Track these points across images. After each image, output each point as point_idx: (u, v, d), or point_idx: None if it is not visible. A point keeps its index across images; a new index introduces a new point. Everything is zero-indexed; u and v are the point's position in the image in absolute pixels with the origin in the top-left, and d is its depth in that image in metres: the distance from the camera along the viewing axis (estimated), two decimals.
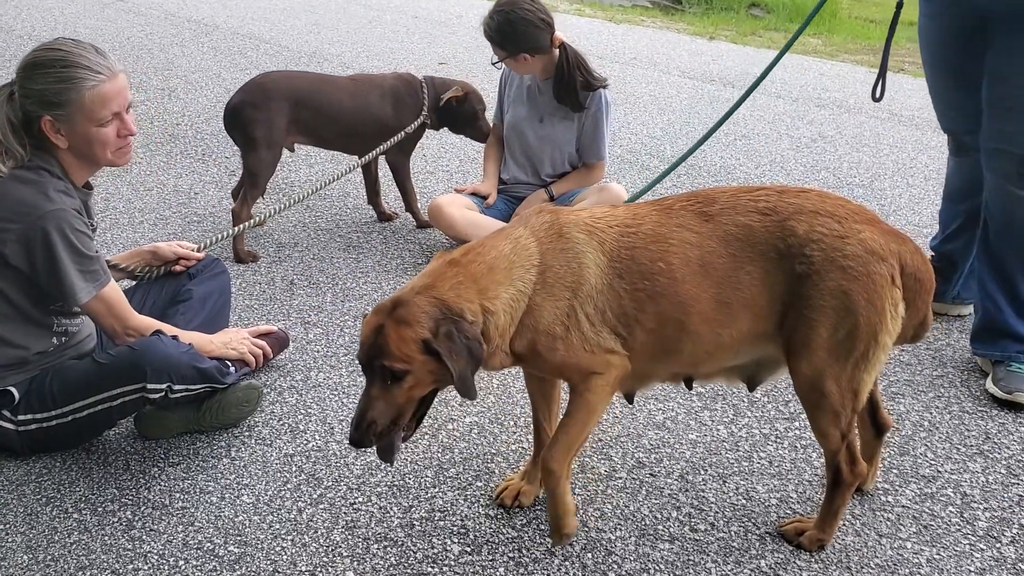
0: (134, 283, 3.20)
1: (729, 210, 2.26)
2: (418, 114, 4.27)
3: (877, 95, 3.41)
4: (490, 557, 2.41)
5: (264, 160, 4.08)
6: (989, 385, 3.19)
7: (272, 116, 4.03)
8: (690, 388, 2.57)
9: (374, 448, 2.19)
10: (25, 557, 2.42)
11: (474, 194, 4.22)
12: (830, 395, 2.26)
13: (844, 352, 2.21)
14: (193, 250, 3.23)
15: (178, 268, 3.16)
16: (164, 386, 2.61)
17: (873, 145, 6.05)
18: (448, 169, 5.31)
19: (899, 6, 3.35)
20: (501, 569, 2.37)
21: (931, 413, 3.07)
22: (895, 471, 2.78)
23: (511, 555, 2.43)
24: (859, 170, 5.54)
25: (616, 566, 2.40)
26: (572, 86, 3.96)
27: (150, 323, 2.79)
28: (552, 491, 2.35)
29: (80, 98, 2.55)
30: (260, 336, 3.20)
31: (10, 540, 2.47)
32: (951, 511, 2.62)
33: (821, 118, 6.71)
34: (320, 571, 2.37)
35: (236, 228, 3.91)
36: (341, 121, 4.19)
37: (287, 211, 4.56)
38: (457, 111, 4.30)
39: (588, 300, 2.22)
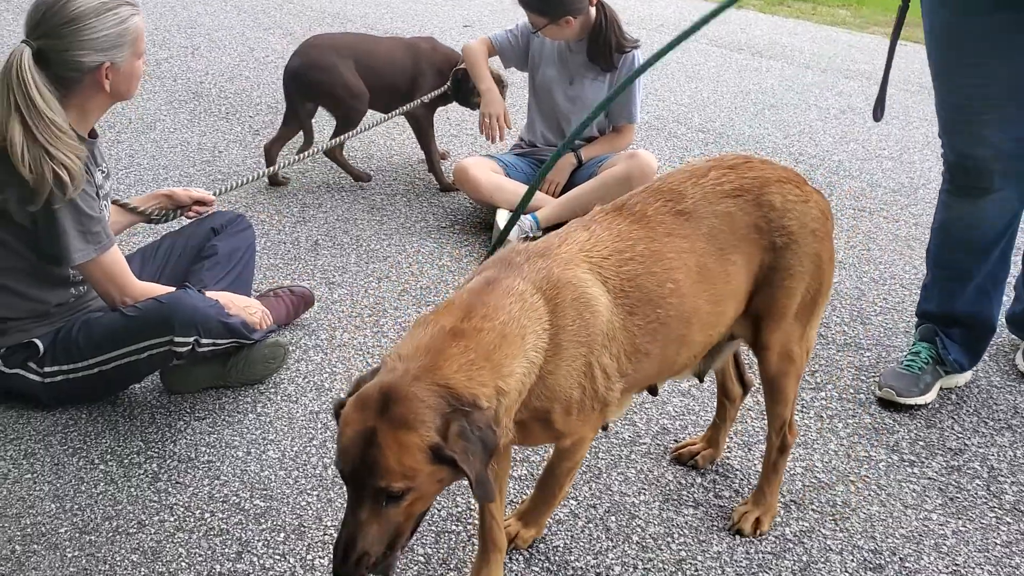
0: (151, 246, 3.18)
1: (702, 202, 2.07)
2: (446, 79, 4.36)
3: (878, 115, 2.85)
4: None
5: (355, 107, 4.27)
6: (1019, 360, 3.16)
7: (343, 70, 4.20)
8: (655, 394, 2.41)
9: None
10: (52, 506, 2.44)
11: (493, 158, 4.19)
12: (797, 359, 2.25)
13: (807, 314, 2.22)
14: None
15: (191, 213, 3.14)
16: (191, 339, 2.61)
17: (903, 117, 5.96)
18: (472, 133, 5.27)
19: (904, 7, 2.66)
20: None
21: (956, 383, 3.04)
22: (921, 443, 2.76)
23: None
24: (888, 142, 5.46)
25: (640, 529, 2.40)
26: (607, 46, 3.90)
27: (151, 289, 2.74)
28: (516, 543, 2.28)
29: (132, 33, 2.56)
30: (287, 293, 3.22)
31: (38, 489, 2.49)
32: (978, 484, 2.60)
33: (850, 89, 6.61)
34: None
35: (270, 170, 4.14)
36: (389, 80, 4.32)
37: (314, 164, 4.55)
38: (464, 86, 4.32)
39: (603, 351, 1.91)
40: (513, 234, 3.79)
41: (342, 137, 4.21)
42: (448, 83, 4.34)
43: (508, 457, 2.28)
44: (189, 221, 3.22)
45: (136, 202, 3.08)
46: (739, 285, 2.10)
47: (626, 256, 1.96)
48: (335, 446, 1.64)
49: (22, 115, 2.42)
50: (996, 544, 2.39)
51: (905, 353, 3.04)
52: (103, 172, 2.73)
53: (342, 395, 2.91)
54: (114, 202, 3.01)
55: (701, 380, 2.51)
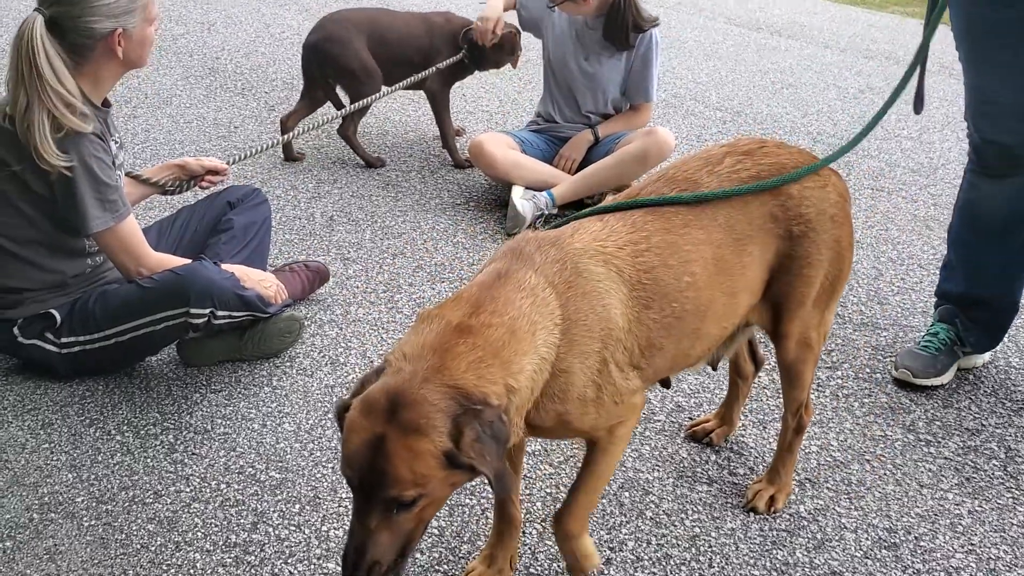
0: (167, 219, 3.19)
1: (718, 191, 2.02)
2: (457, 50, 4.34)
3: (919, 108, 2.58)
4: (527, 492, 2.41)
5: (368, 85, 4.24)
6: None
7: (357, 45, 4.19)
8: (667, 387, 2.41)
9: None
10: (70, 475, 2.46)
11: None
12: (815, 344, 2.22)
13: (826, 299, 2.18)
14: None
15: (205, 183, 3.14)
16: (207, 311, 2.62)
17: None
18: (488, 110, 5.26)
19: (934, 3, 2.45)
20: (539, 503, 2.38)
21: (974, 364, 3.01)
22: (938, 423, 2.74)
23: (548, 491, 2.43)
24: (908, 123, 5.41)
25: (654, 505, 2.40)
26: (624, 25, 3.87)
27: (167, 260, 2.75)
28: (573, 552, 2.05)
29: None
30: (302, 268, 3.23)
31: (55, 459, 2.51)
32: (994, 464, 2.59)
33: (869, 69, 6.55)
34: None
35: (284, 137, 4.10)
36: (404, 54, 4.32)
37: (321, 136, 4.54)
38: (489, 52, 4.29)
39: (617, 345, 1.83)
40: (528, 211, 3.77)
41: (352, 107, 4.18)
42: (463, 50, 4.29)
43: (522, 442, 2.13)
44: (205, 194, 3.23)
45: (149, 173, 3.08)
46: (755, 276, 2.05)
47: (642, 247, 1.88)
48: (340, 451, 1.60)
49: (28, 84, 2.43)
50: (1012, 524, 2.38)
51: (923, 334, 3.01)
52: (117, 143, 2.73)
53: (357, 369, 2.94)
54: (127, 174, 3.02)
55: (715, 368, 2.50)
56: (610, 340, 1.81)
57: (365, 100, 4.16)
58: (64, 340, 2.71)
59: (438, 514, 2.30)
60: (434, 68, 4.22)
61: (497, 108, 5.32)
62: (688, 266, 1.91)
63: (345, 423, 1.59)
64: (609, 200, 2.04)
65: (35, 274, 2.68)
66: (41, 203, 2.58)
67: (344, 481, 2.41)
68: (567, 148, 4.07)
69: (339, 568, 2.17)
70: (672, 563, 2.23)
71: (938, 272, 3.05)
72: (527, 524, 2.31)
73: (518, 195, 3.81)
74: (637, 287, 1.85)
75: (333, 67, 4.29)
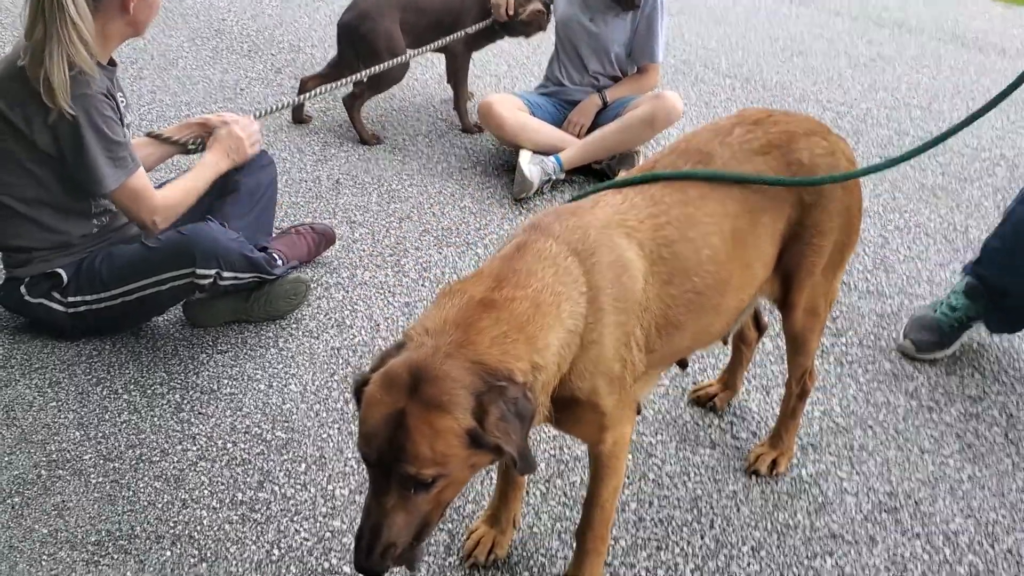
0: (176, 176, 3.18)
1: (731, 162, 1.97)
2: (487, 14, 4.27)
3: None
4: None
5: (390, 70, 4.14)
6: None
7: (388, 25, 4.10)
8: (684, 368, 2.42)
9: None
10: (77, 433, 2.48)
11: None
12: (822, 312, 2.22)
13: (834, 267, 2.17)
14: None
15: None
16: (213, 272, 2.62)
17: (933, 67, 5.86)
18: (496, 73, 5.22)
19: None
20: (542, 465, 2.40)
21: (980, 334, 3.02)
22: (941, 390, 2.75)
23: (552, 452, 2.45)
24: (918, 91, 5.37)
25: (656, 468, 2.42)
26: None
27: (172, 195, 2.75)
28: (595, 570, 2.03)
29: None
30: (308, 230, 3.23)
31: (62, 417, 2.54)
32: (996, 431, 2.60)
33: (881, 37, 6.48)
34: None
35: (300, 97, 4.00)
36: (434, 17, 4.25)
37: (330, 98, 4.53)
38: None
39: (637, 321, 1.78)
40: (535, 176, 3.76)
41: (363, 74, 4.12)
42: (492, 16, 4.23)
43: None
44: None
45: (170, 132, 3.07)
46: (768, 247, 2.03)
47: (661, 220, 1.84)
48: (358, 427, 1.55)
49: (48, 15, 2.42)
50: (1012, 490, 2.39)
51: (942, 301, 2.96)
52: (123, 102, 2.73)
53: (363, 332, 2.96)
54: (148, 134, 3.03)
55: (725, 343, 2.50)
56: (632, 314, 1.76)
57: (377, 69, 4.06)
58: (71, 299, 2.72)
59: None
60: (462, 32, 4.16)
61: (506, 72, 5.28)
62: (707, 239, 1.88)
63: (364, 398, 1.54)
64: (623, 175, 2.01)
65: (42, 234, 2.69)
66: (49, 162, 2.59)
67: (354, 448, 2.45)
68: (575, 113, 4.04)
69: (344, 526, 2.20)
70: (674, 524, 2.25)
71: (945, 240, 3.06)
72: (531, 485, 2.33)
73: (526, 160, 3.80)
74: (658, 262, 1.81)
75: (364, 48, 4.19)
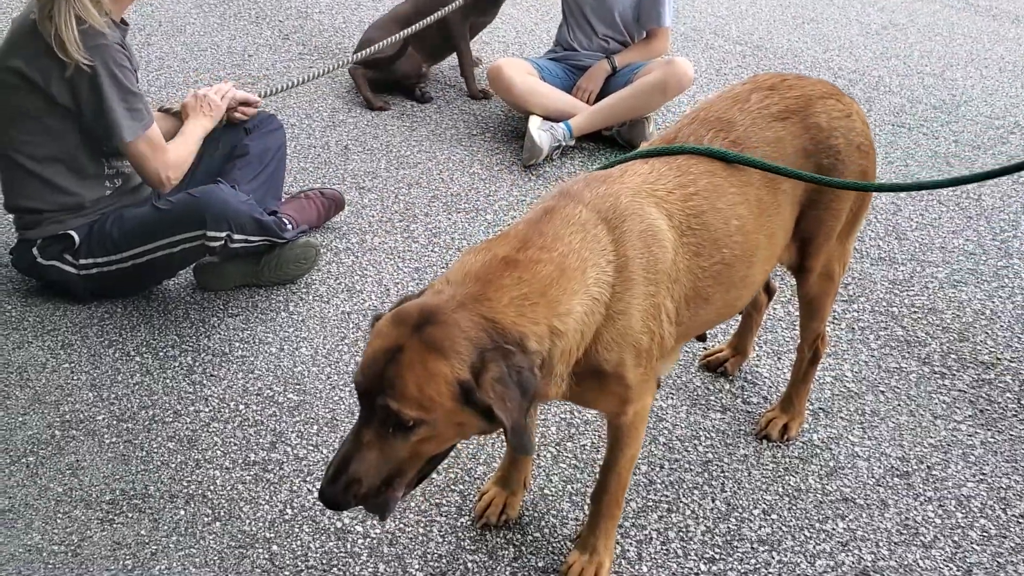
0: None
1: (752, 128, 1.95)
2: None
3: None
4: (542, 417, 2.43)
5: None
6: None
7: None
8: (703, 341, 2.40)
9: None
10: (90, 394, 2.49)
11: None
12: (835, 277, 2.22)
13: (848, 231, 2.16)
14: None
15: (238, 115, 3.10)
16: (223, 234, 2.62)
17: (946, 34, 5.79)
18: (504, 40, 5.18)
19: None
20: (553, 428, 2.40)
21: (993, 302, 3.01)
22: (953, 356, 2.74)
23: (563, 415, 2.45)
24: (930, 59, 5.31)
25: (667, 432, 2.42)
26: None
27: (182, 157, 2.76)
28: (611, 535, 2.03)
29: None
30: (318, 195, 3.22)
31: (75, 378, 2.54)
32: (1008, 397, 2.59)
33: (893, 5, 6.40)
34: None
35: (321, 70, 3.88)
36: None
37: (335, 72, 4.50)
38: None
39: (667, 293, 1.75)
40: (544, 142, 3.74)
41: (367, 54, 4.06)
42: None
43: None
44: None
45: (180, 106, 3.06)
46: (788, 214, 2.01)
47: (690, 191, 1.81)
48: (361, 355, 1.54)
49: None
50: None
51: None
52: (134, 66, 2.71)
53: (373, 296, 2.95)
54: (160, 109, 3.03)
55: (741, 314, 2.49)
56: (662, 285, 1.73)
57: (376, 48, 4.00)
58: (82, 261, 2.72)
59: None
60: (451, 7, 4.08)
61: (514, 39, 5.24)
62: (735, 209, 1.85)
63: (372, 330, 1.55)
64: (644, 146, 1.98)
65: (54, 196, 2.68)
66: (67, 118, 2.59)
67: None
68: (584, 80, 4.01)
69: None
70: (685, 487, 2.25)
71: (958, 208, 3.03)
72: (541, 447, 2.34)
73: (535, 126, 3.77)
74: (687, 233, 1.78)
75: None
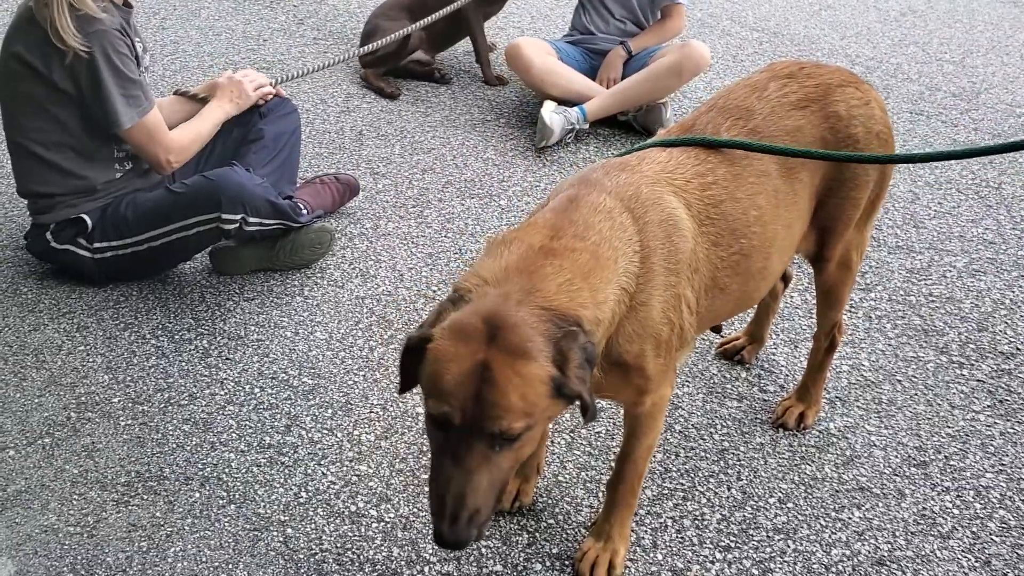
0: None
1: (771, 117, 1.93)
2: None
3: None
4: None
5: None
6: None
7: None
8: (718, 332, 2.39)
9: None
10: (106, 377, 2.49)
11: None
12: (854, 265, 2.20)
13: (867, 219, 2.14)
14: (271, 85, 3.17)
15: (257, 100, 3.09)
16: (239, 217, 2.61)
17: (966, 21, 5.73)
18: (519, 25, 5.15)
19: None
20: (567, 415, 2.39)
21: (1013, 291, 2.98)
22: (972, 346, 2.72)
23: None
24: (950, 46, 5.26)
25: (683, 420, 2.41)
26: None
27: (186, 140, 2.76)
28: (627, 523, 2.02)
29: None
30: (332, 180, 3.22)
31: (91, 361, 2.55)
32: None
33: None
34: (391, 405, 2.41)
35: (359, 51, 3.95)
36: None
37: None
38: None
39: (687, 283, 1.72)
40: (557, 125, 3.72)
41: (375, 46, 3.99)
42: None
43: None
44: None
45: (200, 90, 3.05)
46: (805, 204, 1.99)
47: (708, 180, 1.79)
48: (430, 387, 1.44)
49: None
50: None
51: None
52: (140, 44, 2.71)
53: (387, 281, 2.94)
54: (178, 92, 3.03)
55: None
56: (683, 275, 1.71)
57: (380, 44, 3.95)
58: (97, 245, 2.72)
59: None
60: None
61: (529, 24, 5.21)
62: (754, 199, 1.83)
63: (432, 355, 1.44)
64: (662, 133, 1.96)
65: (65, 180, 2.68)
66: (70, 104, 2.58)
67: (380, 394, 2.45)
68: (603, 70, 3.98)
69: (370, 471, 2.21)
70: (700, 475, 2.24)
71: (977, 196, 2.99)
72: (555, 433, 2.33)
73: (548, 109, 3.75)
74: (706, 223, 1.76)
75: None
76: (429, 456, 1.54)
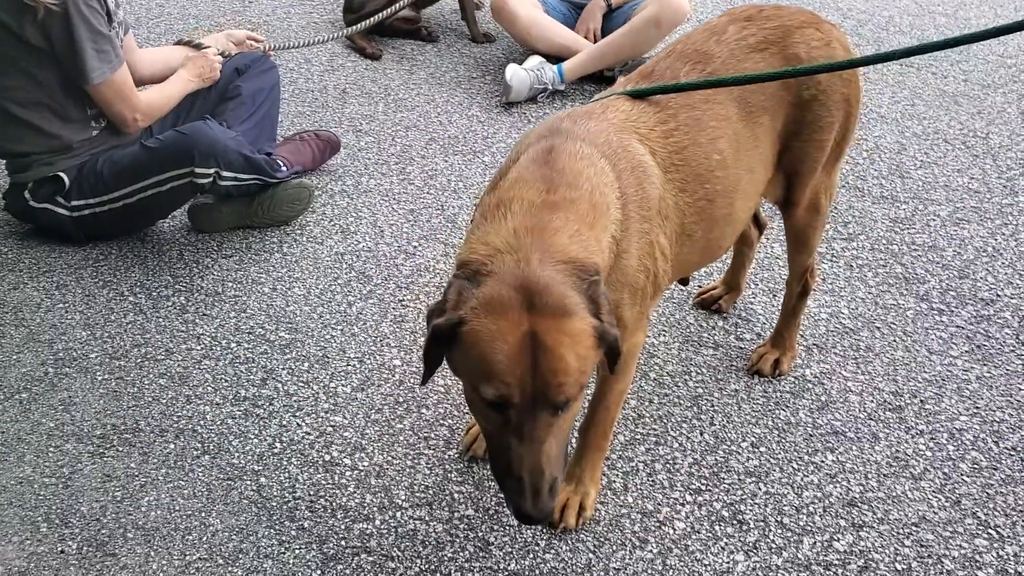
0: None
1: (730, 60, 1.90)
2: None
3: None
4: None
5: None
6: None
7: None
8: (685, 285, 2.38)
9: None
10: (84, 333, 2.50)
11: None
12: (823, 208, 2.18)
13: (833, 161, 2.12)
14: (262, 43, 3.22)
15: (243, 48, 3.11)
16: (212, 171, 2.61)
17: None
18: None
19: None
20: None
21: (996, 240, 2.96)
22: (952, 292, 2.71)
23: None
24: None
25: (658, 368, 2.41)
26: None
27: (154, 100, 2.80)
28: (598, 467, 2.02)
29: None
30: (313, 137, 3.21)
31: (69, 318, 2.55)
32: (1007, 333, 2.56)
33: None
34: (368, 358, 2.42)
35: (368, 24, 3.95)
36: None
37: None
38: None
39: (660, 230, 1.72)
40: (522, 85, 3.69)
41: (365, 25, 4.00)
42: None
43: None
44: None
45: (200, 41, 3.12)
46: (769, 149, 1.98)
47: (670, 127, 1.79)
48: (476, 370, 1.39)
49: None
50: (1021, 389, 2.36)
51: None
52: (114, 1, 2.68)
53: (367, 237, 2.93)
54: (179, 42, 3.10)
55: (733, 251, 2.45)
56: (655, 222, 1.71)
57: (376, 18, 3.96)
58: (74, 203, 2.72)
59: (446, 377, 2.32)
60: None
61: None
62: (716, 144, 1.83)
63: (470, 338, 1.40)
64: (622, 83, 1.94)
65: (41, 139, 2.67)
66: (45, 61, 2.56)
67: (357, 347, 2.45)
68: (581, 21, 3.95)
69: (345, 421, 2.22)
70: (673, 420, 2.25)
71: (964, 147, 2.96)
72: None
73: (513, 67, 3.73)
74: (671, 169, 1.76)
75: None
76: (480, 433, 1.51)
